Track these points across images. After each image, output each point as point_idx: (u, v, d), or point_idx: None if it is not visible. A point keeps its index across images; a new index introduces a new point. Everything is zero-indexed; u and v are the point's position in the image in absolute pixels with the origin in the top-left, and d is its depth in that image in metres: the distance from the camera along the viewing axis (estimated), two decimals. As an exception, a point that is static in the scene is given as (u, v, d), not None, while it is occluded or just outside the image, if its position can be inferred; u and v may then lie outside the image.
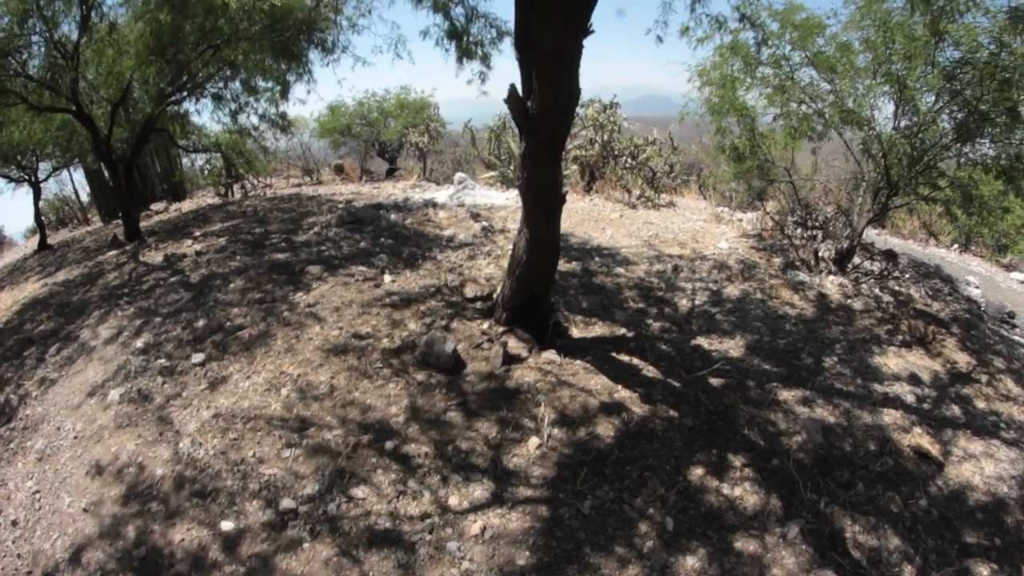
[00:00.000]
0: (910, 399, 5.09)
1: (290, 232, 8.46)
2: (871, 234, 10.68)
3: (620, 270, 7.15)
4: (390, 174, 15.65)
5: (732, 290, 6.77)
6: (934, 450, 4.51)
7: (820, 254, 7.62)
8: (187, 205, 13.22)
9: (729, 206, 10.97)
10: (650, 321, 6.00)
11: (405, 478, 3.99)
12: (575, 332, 5.67)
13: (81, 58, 8.11)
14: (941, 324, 6.62)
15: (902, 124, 6.73)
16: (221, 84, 9.75)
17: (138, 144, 9.42)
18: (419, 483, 3.97)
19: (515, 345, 5.24)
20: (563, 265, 7.04)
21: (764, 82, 6.97)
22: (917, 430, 4.70)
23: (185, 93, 9.39)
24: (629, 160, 11.05)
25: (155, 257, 8.06)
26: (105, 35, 8.13)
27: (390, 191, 11.66)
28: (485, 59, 6.45)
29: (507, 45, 6.53)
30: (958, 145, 6.33)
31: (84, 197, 16.64)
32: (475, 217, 8.96)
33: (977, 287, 8.83)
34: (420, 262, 7.08)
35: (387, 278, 6.56)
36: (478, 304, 5.96)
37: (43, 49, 8.04)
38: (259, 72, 9.35)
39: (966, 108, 6.12)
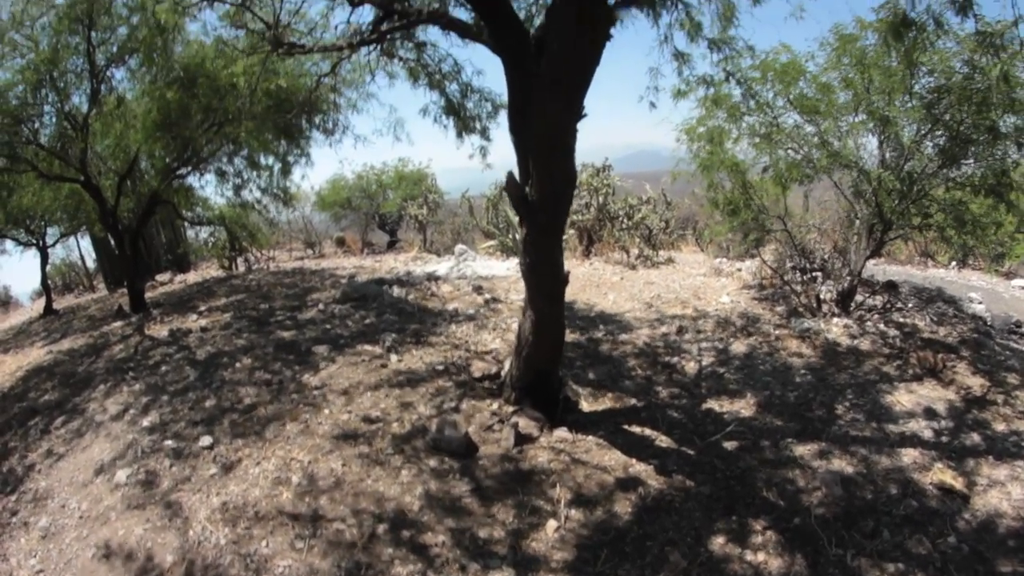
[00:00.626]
0: (927, 435, 5.08)
1: (295, 309, 8.62)
2: (869, 265, 10.77)
3: (625, 337, 7.25)
4: (391, 246, 16.02)
5: (738, 346, 6.85)
6: (957, 483, 4.47)
7: (822, 297, 7.71)
8: (192, 277, 13.47)
9: (727, 256, 11.15)
10: (659, 388, 6.06)
11: (424, 569, 3.99)
12: (585, 406, 5.74)
13: (90, 130, 8.47)
14: (950, 350, 6.64)
15: (887, 156, 6.96)
16: (225, 159, 10.17)
17: (144, 216, 9.71)
18: (438, 574, 3.97)
19: (526, 425, 5.30)
20: (568, 335, 7.15)
21: (751, 131, 7.20)
22: (938, 466, 4.68)
23: (190, 168, 9.77)
24: (625, 221, 11.32)
25: (161, 331, 8.18)
26: (113, 109, 8.51)
27: (392, 264, 11.92)
28: (484, 132, 6.69)
29: (503, 118, 6.77)
30: (944, 170, 6.55)
31: (90, 263, 17.08)
32: (477, 290, 9.14)
33: (980, 302, 8.85)
34: (425, 338, 7.20)
35: (393, 357, 6.66)
36: (486, 383, 6.05)
37: (54, 119, 8.47)
38: (262, 149, 9.73)
39: (948, 133, 6.39)
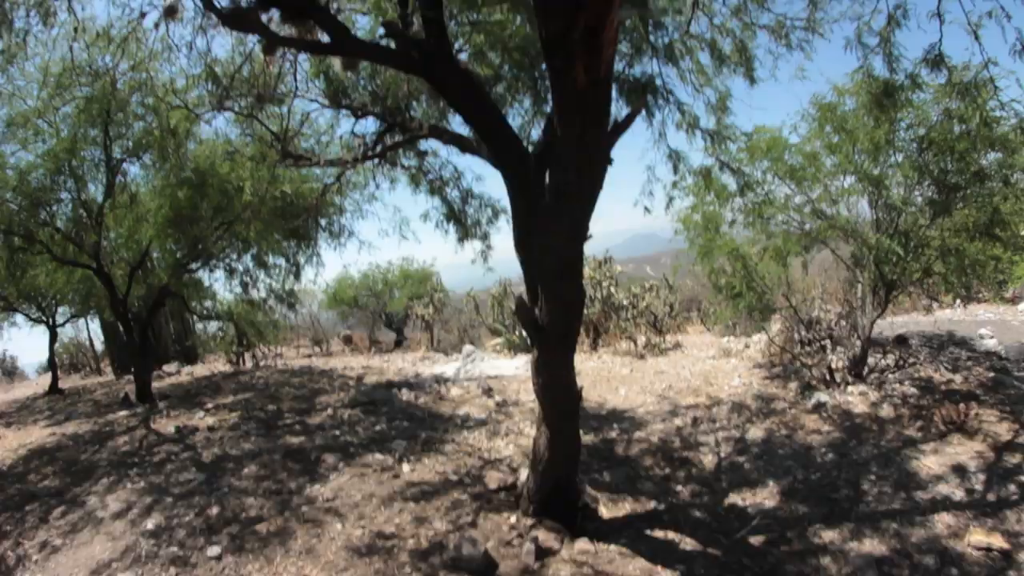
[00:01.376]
0: (959, 495, 4.94)
1: (303, 412, 8.57)
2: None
3: (640, 434, 7.19)
4: (398, 344, 16.15)
5: (756, 432, 6.79)
6: (996, 540, 4.32)
7: (834, 366, 7.68)
8: (199, 370, 13.42)
9: (734, 334, 11.20)
10: (679, 487, 5.97)
11: None
12: (604, 512, 5.65)
13: (104, 219, 8.77)
14: (970, 397, 6.54)
15: (879, 216, 7.15)
16: (234, 256, 10.42)
17: (154, 307, 9.86)
18: None
19: (546, 537, 5.21)
20: (582, 438, 7.12)
21: (745, 211, 7.43)
22: (974, 526, 4.54)
23: (200, 263, 10.04)
24: (630, 310, 11.49)
25: (166, 427, 8.07)
26: (127, 203, 8.87)
27: (400, 364, 11.94)
28: (485, 238, 6.81)
29: (504, 222, 6.87)
30: (938, 220, 6.76)
31: (98, 346, 17.06)
32: (487, 392, 9.14)
33: (992, 336, 8.77)
34: (437, 446, 7.13)
35: (406, 467, 6.56)
36: (502, 495, 5.98)
37: (71, 206, 8.83)
38: (270, 249, 10.02)
39: (935, 183, 6.65)
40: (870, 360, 7.70)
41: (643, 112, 4.95)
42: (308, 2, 4.02)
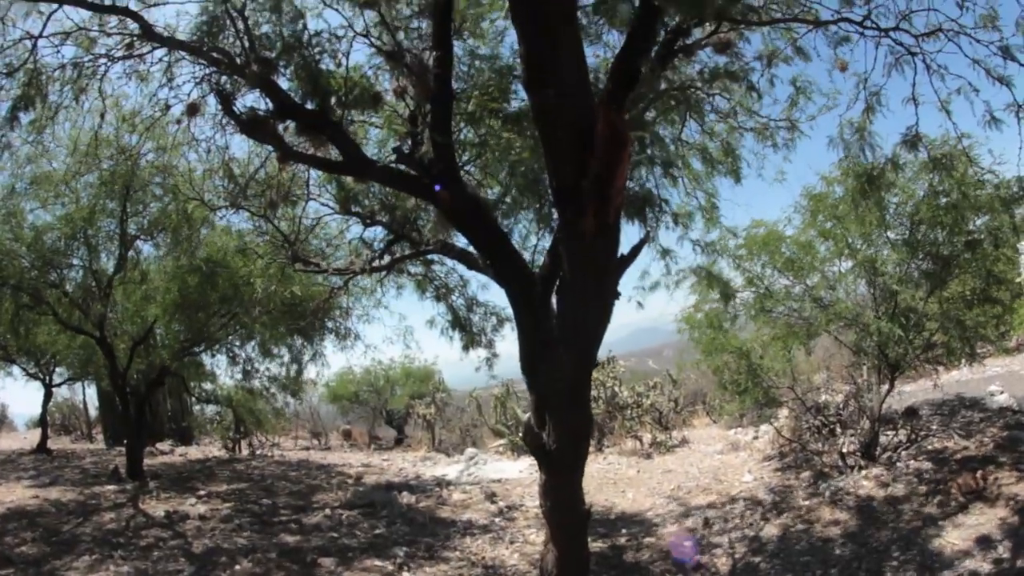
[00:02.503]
0: (987, 568, 4.75)
1: (300, 509, 8.26)
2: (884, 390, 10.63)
3: (650, 539, 6.97)
4: (398, 443, 15.84)
5: (771, 529, 6.62)
6: None
7: (845, 450, 7.60)
8: (193, 452, 12.99)
9: (741, 425, 11.12)
10: (694, 594, 5.79)
11: None
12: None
13: (112, 292, 8.82)
14: (987, 461, 6.39)
15: (877, 294, 7.31)
16: (237, 343, 10.43)
17: (152, 385, 9.77)
18: None
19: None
20: (590, 545, 6.93)
21: (746, 308, 7.62)
22: None
23: (203, 346, 10.03)
24: (635, 409, 11.47)
25: (156, 509, 7.68)
26: (137, 280, 8.96)
27: (400, 464, 11.70)
28: (490, 345, 6.82)
29: (508, 330, 6.88)
30: (936, 292, 6.96)
31: (93, 411, 16.45)
32: (490, 497, 8.93)
33: (1002, 391, 8.67)
34: (439, 553, 6.89)
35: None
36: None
37: (81, 273, 8.94)
38: (274, 340, 10.02)
39: (929, 257, 6.91)
40: (881, 439, 7.62)
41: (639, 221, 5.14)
42: (322, 117, 4.37)
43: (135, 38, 4.90)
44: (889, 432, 7.96)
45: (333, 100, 4.38)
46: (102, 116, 5.46)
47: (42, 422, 12.63)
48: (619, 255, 3.64)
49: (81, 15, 4.67)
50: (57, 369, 12.39)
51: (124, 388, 9.66)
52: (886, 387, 7.42)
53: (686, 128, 5.28)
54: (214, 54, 4.98)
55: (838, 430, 8.24)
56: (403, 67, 3.92)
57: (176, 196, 7.60)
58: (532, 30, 2.62)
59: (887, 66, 4.99)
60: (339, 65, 4.41)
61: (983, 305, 6.84)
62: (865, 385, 7.78)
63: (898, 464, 7.14)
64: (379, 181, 4.79)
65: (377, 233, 6.27)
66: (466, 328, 6.75)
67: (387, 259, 5.88)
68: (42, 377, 12.16)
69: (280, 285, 7.53)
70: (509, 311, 5.79)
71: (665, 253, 5.53)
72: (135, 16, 4.82)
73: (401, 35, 4.33)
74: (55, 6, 4.51)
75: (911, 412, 8.66)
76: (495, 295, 7.56)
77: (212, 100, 5.00)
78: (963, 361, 12.02)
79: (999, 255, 6.70)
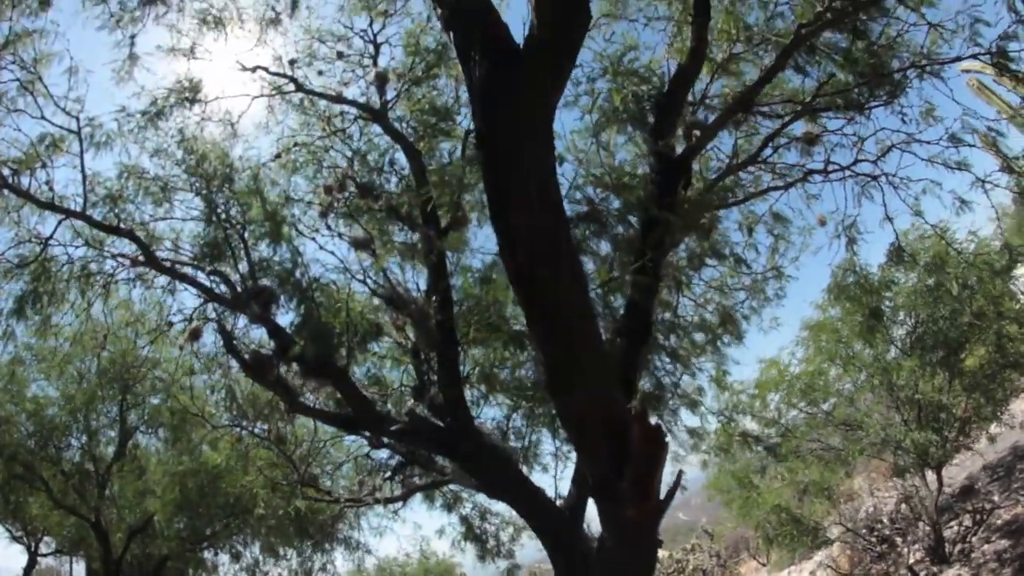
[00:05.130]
0: None
1: None
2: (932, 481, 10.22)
3: None
4: None
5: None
6: None
7: (912, 561, 7.29)
8: None
9: (794, 562, 10.56)
10: None
11: None
12: None
13: (111, 478, 8.45)
14: None
15: (899, 398, 7.23)
16: (242, 543, 9.88)
17: None
18: None
19: None
20: None
21: (774, 455, 7.49)
22: None
23: (205, 544, 9.48)
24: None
25: None
26: (135, 471, 8.59)
27: None
28: (510, 555, 6.54)
29: (527, 538, 6.66)
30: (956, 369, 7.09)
31: None
32: None
33: None
34: None
35: None
36: None
37: (79, 454, 8.60)
38: (282, 543, 9.47)
39: (942, 348, 7.11)
40: (946, 532, 7.27)
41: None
42: (325, 364, 4.41)
43: (138, 261, 5.18)
44: (952, 524, 7.57)
45: (335, 341, 4.45)
46: (105, 338, 5.76)
47: (23, 590, 11.62)
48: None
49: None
50: (46, 538, 11.36)
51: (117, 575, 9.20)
52: (935, 484, 7.19)
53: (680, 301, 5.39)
54: (214, 283, 5.22)
55: (898, 541, 7.88)
56: (403, 313, 4.02)
57: (176, 399, 7.58)
58: (546, 329, 2.54)
59: (856, 195, 5.38)
60: (339, 308, 4.51)
61: (1004, 371, 7.11)
62: (913, 490, 7.54)
63: (973, 555, 6.81)
64: (390, 436, 4.73)
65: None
66: (481, 539, 6.44)
67: (400, 486, 5.66)
68: (28, 544, 10.95)
69: (284, 500, 7.39)
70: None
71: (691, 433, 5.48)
72: (137, 240, 5.13)
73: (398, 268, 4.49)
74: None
75: (967, 491, 8.30)
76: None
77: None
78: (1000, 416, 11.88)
79: (1005, 325, 6.95)
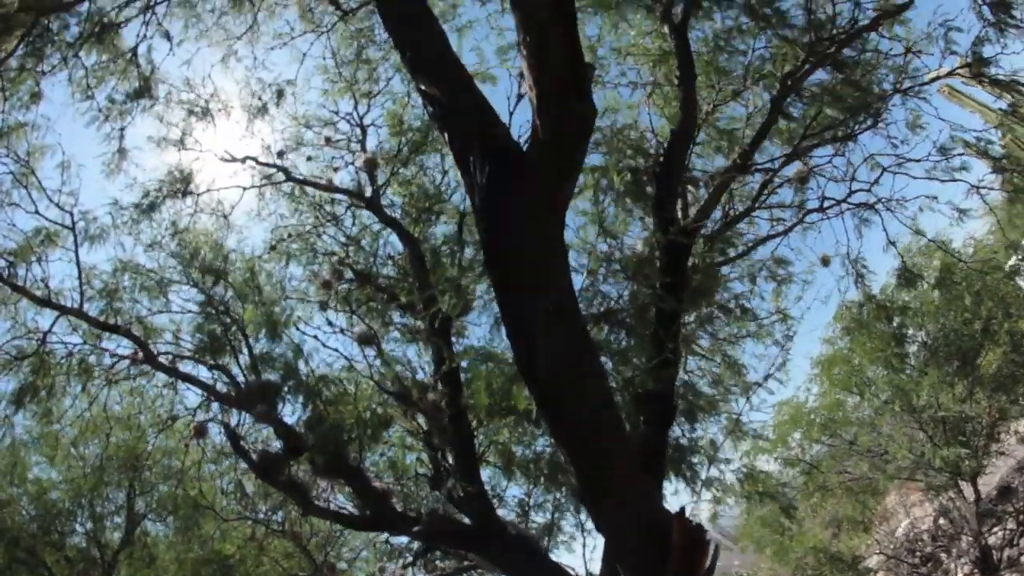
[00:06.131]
0: None
1: None
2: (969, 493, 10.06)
3: None
4: None
5: None
6: None
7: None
8: None
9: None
10: None
11: None
12: None
13: (118, 567, 8.06)
14: None
15: (922, 419, 7.16)
16: None
17: None
18: None
19: None
20: None
21: (802, 495, 7.44)
22: None
23: None
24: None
25: None
26: (144, 560, 8.24)
27: None
28: None
29: None
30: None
31: None
32: None
33: None
34: None
35: None
36: None
37: (84, 541, 8.17)
38: None
39: (956, 358, 7.15)
40: (991, 540, 7.11)
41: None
42: (338, 462, 4.27)
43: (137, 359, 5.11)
44: (996, 530, 7.39)
45: (346, 438, 4.33)
46: (110, 431, 5.71)
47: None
48: None
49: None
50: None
51: None
52: (972, 495, 7.08)
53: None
54: (216, 377, 5.10)
55: (943, 557, 7.71)
56: (415, 409, 3.91)
57: (185, 488, 7.39)
58: (574, 446, 2.43)
59: (856, 226, 5.36)
60: (346, 402, 4.40)
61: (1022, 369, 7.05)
62: (950, 503, 7.41)
63: (1023, 558, 6.68)
64: (416, 539, 4.59)
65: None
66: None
67: (422, 571, 5.45)
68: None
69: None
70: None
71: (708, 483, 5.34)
72: (135, 339, 5.06)
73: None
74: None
75: (1005, 492, 8.14)
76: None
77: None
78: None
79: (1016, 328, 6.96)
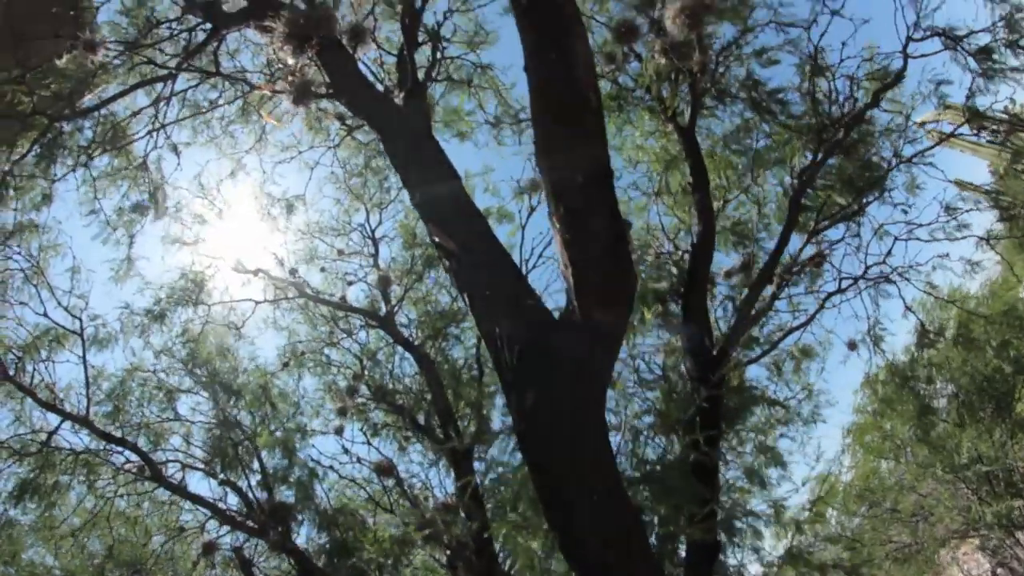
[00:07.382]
0: None
1: None
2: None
3: None
4: None
5: None
6: None
7: None
8: None
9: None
10: None
11: None
12: None
13: None
14: None
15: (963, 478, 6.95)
16: None
17: None
18: None
19: None
20: None
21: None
22: None
23: None
24: None
25: None
26: None
27: None
28: None
29: None
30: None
31: None
32: None
33: None
34: None
35: None
36: None
37: None
38: None
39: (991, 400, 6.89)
40: None
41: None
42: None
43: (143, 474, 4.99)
44: None
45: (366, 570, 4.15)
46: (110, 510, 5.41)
47: None
48: None
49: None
50: None
51: None
52: None
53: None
54: (225, 491, 4.92)
55: None
56: (439, 545, 3.73)
57: None
58: None
59: (873, 298, 5.40)
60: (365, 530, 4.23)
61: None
62: (1010, 554, 7.09)
63: None
64: None
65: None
66: None
67: None
68: None
69: None
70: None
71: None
72: (141, 454, 4.90)
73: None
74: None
75: None
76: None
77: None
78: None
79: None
